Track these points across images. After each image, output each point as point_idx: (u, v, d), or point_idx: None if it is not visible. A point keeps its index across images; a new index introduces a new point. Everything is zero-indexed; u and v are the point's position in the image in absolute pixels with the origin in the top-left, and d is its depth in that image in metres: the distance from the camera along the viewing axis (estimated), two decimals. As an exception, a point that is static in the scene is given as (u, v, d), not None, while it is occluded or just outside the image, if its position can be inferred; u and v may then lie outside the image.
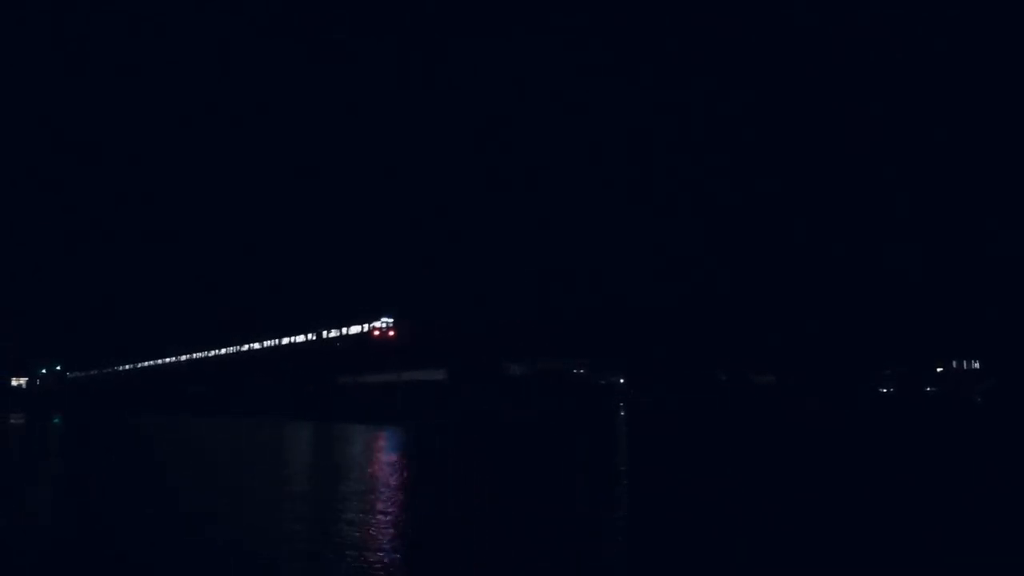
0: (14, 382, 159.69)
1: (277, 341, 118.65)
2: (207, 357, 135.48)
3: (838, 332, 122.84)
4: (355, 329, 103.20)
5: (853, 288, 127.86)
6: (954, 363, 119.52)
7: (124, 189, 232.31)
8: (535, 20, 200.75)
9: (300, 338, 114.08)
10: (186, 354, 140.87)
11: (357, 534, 17.26)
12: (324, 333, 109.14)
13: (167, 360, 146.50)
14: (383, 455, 40.36)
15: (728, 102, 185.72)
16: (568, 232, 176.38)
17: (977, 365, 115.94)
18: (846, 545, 16.47)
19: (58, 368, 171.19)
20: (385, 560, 14.91)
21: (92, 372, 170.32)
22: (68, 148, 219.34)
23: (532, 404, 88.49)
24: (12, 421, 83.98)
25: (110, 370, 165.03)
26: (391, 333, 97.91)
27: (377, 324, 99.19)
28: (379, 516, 19.64)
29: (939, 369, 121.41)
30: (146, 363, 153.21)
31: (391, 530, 18.03)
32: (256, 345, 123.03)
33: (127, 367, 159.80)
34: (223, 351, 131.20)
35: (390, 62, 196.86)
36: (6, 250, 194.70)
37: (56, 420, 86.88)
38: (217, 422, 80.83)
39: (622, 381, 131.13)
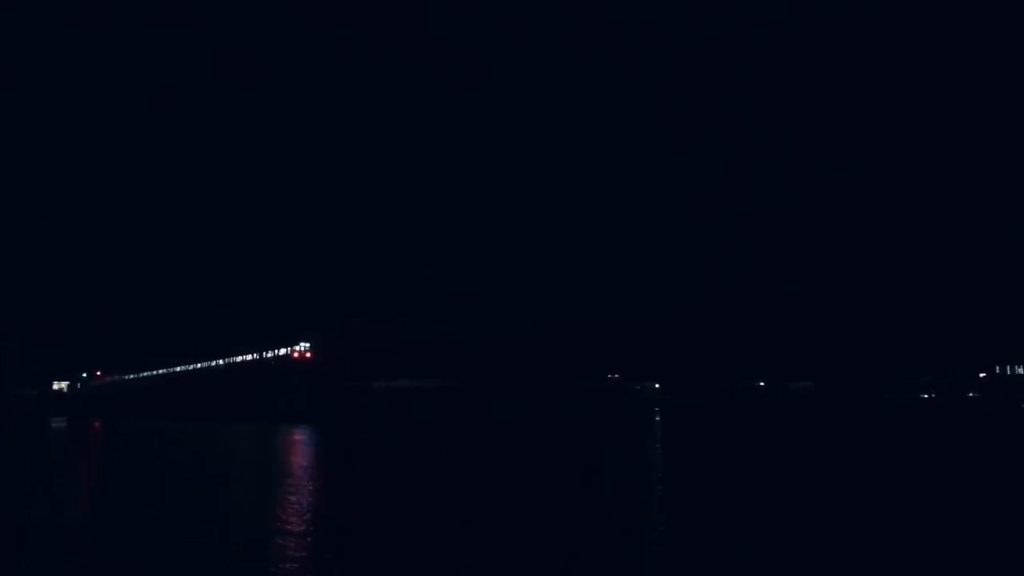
0: (55, 386, 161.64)
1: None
2: (217, 366, 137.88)
3: (878, 338, 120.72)
4: (283, 351, 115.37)
5: (894, 294, 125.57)
6: (997, 368, 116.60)
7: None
8: (533, 21, 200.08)
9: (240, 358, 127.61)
10: (203, 362, 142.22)
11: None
12: (255, 355, 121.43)
13: (198, 366, 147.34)
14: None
15: (739, 104, 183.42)
16: (602, 238, 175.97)
17: (1022, 371, 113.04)
18: (853, 544, 16.12)
19: (98, 372, 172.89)
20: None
21: (127, 377, 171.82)
22: None
23: (553, 411, 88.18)
24: (54, 425, 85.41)
25: (137, 376, 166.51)
26: (308, 355, 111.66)
27: (296, 347, 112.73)
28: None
29: (982, 375, 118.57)
30: (178, 368, 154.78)
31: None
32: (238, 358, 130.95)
33: (156, 372, 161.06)
34: (236, 359, 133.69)
35: (378, 67, 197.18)
36: (53, 257, 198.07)
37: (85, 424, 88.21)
38: (235, 428, 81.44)
39: (657, 386, 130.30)
